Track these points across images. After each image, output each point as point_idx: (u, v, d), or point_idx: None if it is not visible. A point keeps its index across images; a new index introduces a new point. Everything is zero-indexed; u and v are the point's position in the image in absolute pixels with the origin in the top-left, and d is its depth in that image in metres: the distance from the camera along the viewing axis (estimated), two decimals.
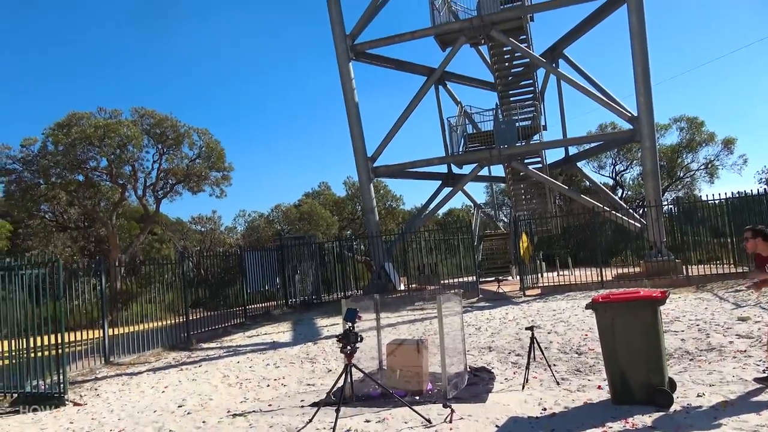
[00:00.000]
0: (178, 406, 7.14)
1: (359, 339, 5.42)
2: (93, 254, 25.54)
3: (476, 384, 7.00)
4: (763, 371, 5.89)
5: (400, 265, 19.19)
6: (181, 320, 13.10)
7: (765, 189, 15.92)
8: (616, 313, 5.29)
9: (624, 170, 34.60)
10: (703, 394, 5.37)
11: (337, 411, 5.16)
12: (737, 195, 15.02)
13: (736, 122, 61.27)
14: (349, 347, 5.30)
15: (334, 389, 5.65)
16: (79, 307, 11.52)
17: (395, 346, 7.12)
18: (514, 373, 7.50)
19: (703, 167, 33.06)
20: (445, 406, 5.59)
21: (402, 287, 18.24)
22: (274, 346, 11.35)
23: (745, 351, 6.92)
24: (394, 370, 7.21)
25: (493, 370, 7.71)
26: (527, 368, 6.78)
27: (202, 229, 32.67)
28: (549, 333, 9.65)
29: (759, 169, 45.75)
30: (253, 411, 6.49)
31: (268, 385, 7.99)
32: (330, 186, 35.53)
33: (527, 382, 6.69)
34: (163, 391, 8.14)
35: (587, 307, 5.49)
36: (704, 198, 15.43)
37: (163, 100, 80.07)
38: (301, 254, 18.37)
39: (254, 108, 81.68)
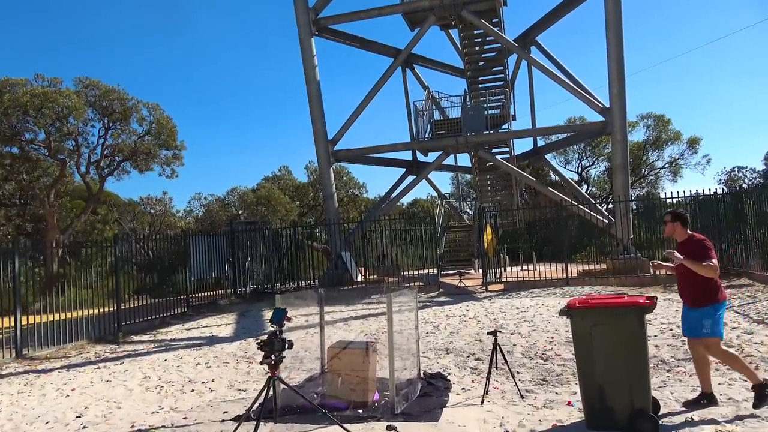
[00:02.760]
0: (77, 416, 6.01)
1: (287, 346, 4.43)
2: (30, 234, 23.70)
3: (430, 395, 6.10)
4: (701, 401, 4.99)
5: (360, 255, 18.23)
6: (111, 309, 11.84)
7: (723, 189, 15.65)
8: (596, 321, 4.44)
9: (590, 166, 34.42)
10: (692, 419, 4.59)
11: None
12: (695, 195, 14.68)
13: (701, 120, 62.18)
14: (273, 357, 4.30)
15: (254, 406, 4.64)
16: None
17: (338, 349, 6.16)
18: (473, 381, 6.64)
19: (667, 166, 33.09)
20: (389, 429, 4.66)
21: (360, 278, 17.29)
22: (212, 341, 10.25)
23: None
24: (339, 375, 6.26)
25: (449, 377, 6.84)
26: (488, 378, 5.92)
27: (153, 211, 30.92)
28: (512, 334, 8.85)
29: (719, 170, 46.49)
30: (163, 426, 5.43)
31: (193, 390, 6.92)
32: (291, 171, 34.25)
33: (487, 393, 5.83)
34: (68, 395, 6.97)
35: (562, 313, 4.63)
36: (665, 196, 14.92)
37: (114, 77, 76.62)
38: (254, 240, 17.21)
39: (214, 88, 78.91)
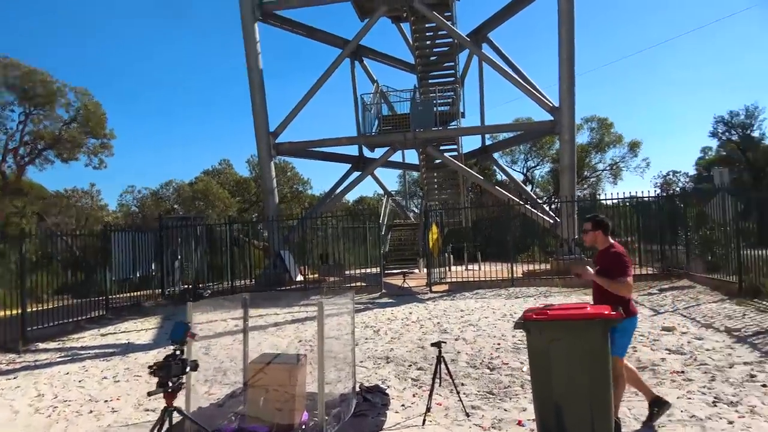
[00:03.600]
0: None
1: (188, 368, 3.62)
2: None
3: (365, 414, 5.42)
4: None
5: (301, 254, 17.38)
6: (13, 313, 10.54)
7: (657, 192, 15.88)
8: (555, 336, 3.87)
9: (535, 166, 34.74)
10: None
11: None
12: (634, 197, 14.73)
13: (642, 123, 64.26)
14: (170, 383, 3.49)
15: None
16: None
17: (261, 365, 5.38)
18: (414, 395, 6.00)
19: (608, 168, 33.79)
20: None
21: (300, 278, 16.43)
22: (127, 349, 9.19)
23: (682, 372, 5.83)
24: (266, 389, 5.48)
25: (388, 391, 6.17)
26: (431, 395, 5.29)
27: (78, 205, 28.78)
28: (456, 340, 8.29)
29: (655, 173, 48.15)
30: None
31: (92, 412, 5.96)
32: (232, 164, 32.83)
33: (429, 411, 5.20)
34: None
35: (517, 326, 4.02)
36: (607, 197, 14.91)
37: (41, 61, 71.83)
38: (186, 237, 16.04)
39: (151, 76, 75.18)
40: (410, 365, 7.16)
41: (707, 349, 6.63)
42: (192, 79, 75.40)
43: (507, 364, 6.86)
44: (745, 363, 5.88)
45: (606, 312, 3.85)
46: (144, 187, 32.74)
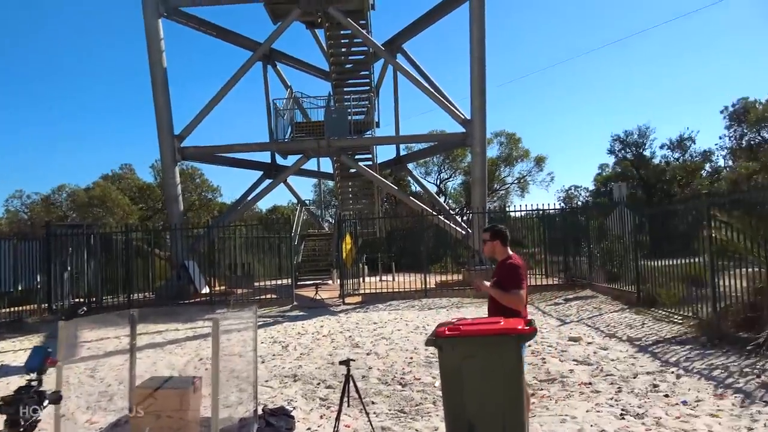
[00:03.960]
0: None
1: (45, 402, 3.04)
2: None
3: None
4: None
5: (209, 265, 16.45)
6: None
7: (562, 206, 16.65)
8: (468, 353, 3.65)
9: (448, 178, 35.46)
10: None
11: None
12: (540, 209, 15.33)
13: (549, 138, 67.48)
14: (21, 421, 2.89)
15: None
16: None
17: (149, 390, 4.80)
18: (322, 416, 5.63)
19: (516, 181, 35.14)
20: None
21: (206, 290, 15.52)
22: None
23: (590, 384, 5.87)
24: (156, 418, 4.89)
25: (294, 413, 5.74)
26: (338, 417, 4.93)
27: None
28: (368, 354, 8.01)
29: (559, 187, 50.82)
30: None
31: None
32: (135, 169, 30.86)
33: None
34: None
35: (429, 343, 3.78)
36: (516, 209, 15.38)
37: None
38: (78, 246, 14.66)
39: (47, 69, 69.47)
40: (319, 383, 6.77)
41: (612, 360, 6.77)
42: (92, 74, 70.48)
43: (419, 379, 6.65)
44: (648, 373, 6.02)
45: (519, 327, 3.69)
46: (35, 192, 30.08)
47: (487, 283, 4.22)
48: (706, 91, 60.38)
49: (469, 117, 16.10)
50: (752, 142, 27.47)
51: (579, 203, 36.49)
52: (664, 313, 9.39)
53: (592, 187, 43.49)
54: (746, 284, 7.69)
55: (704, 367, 6.05)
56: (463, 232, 16.44)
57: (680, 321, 8.66)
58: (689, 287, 9.22)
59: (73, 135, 63.46)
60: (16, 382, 7.37)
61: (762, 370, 5.62)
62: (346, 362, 4.90)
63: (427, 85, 16.95)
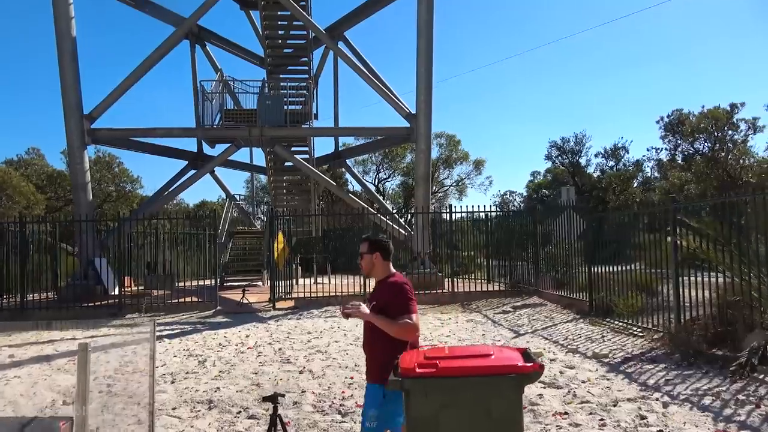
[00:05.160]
0: None
1: None
2: None
3: None
4: None
5: (124, 262, 14.63)
6: None
7: (509, 208, 16.07)
8: (448, 400, 2.59)
9: (386, 178, 34.61)
10: None
11: None
12: (483, 210, 14.70)
13: (487, 141, 67.98)
14: None
15: None
16: None
17: None
18: None
19: (455, 184, 34.78)
20: None
21: (116, 291, 13.72)
22: None
23: (566, 414, 4.96)
24: None
25: None
26: None
27: None
28: (301, 372, 6.82)
29: (494, 192, 51.30)
30: None
31: None
32: (43, 154, 27.94)
33: None
34: None
35: (391, 385, 2.66)
36: (461, 210, 14.59)
37: None
38: None
39: None
40: (239, 411, 5.51)
41: (583, 381, 5.92)
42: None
43: (360, 405, 5.54)
44: (629, 399, 5.20)
45: (519, 363, 2.66)
46: None
47: (366, 309, 3.14)
48: (645, 101, 62.77)
49: (413, 111, 15.18)
50: (685, 153, 28.31)
51: (514, 208, 36.62)
52: (621, 324, 8.77)
53: (525, 193, 44.09)
54: (712, 295, 7.14)
55: (690, 392, 5.30)
56: (405, 233, 15.50)
57: (641, 333, 8.03)
58: (647, 297, 8.66)
59: None
60: None
61: (759, 397, 4.92)
62: (272, 398, 3.71)
63: (370, 75, 15.87)
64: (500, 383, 2.59)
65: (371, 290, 3.51)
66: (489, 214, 15.28)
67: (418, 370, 2.62)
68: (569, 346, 7.66)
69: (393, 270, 3.35)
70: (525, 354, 2.79)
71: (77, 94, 14.04)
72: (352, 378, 6.49)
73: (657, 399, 5.16)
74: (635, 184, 34.19)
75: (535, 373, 2.63)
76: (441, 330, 9.48)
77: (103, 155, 27.63)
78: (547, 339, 8.30)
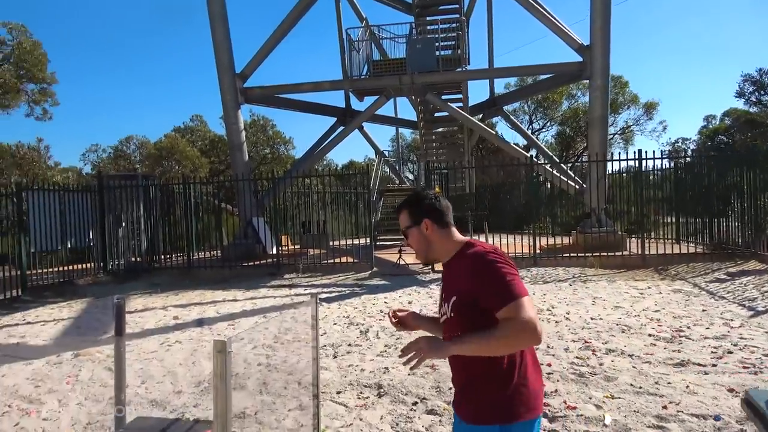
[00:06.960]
0: None
1: None
2: None
3: None
4: None
5: (280, 222, 14.64)
6: None
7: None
8: None
9: (540, 129, 31.85)
10: None
11: None
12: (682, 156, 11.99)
13: (658, 84, 60.84)
14: None
15: None
16: None
17: None
18: None
19: (620, 132, 30.97)
20: None
21: (274, 250, 13.67)
22: (8, 354, 6.39)
23: None
24: None
25: None
26: None
27: (20, 163, 25.46)
28: None
29: (665, 140, 45.34)
30: None
31: None
32: (206, 121, 29.62)
33: None
34: None
35: None
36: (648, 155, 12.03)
37: None
38: (133, 200, 13.13)
39: (120, 30, 70.38)
40: (416, 402, 4.45)
41: None
42: (160, 25, 70.72)
43: (570, 406, 4.17)
44: None
45: None
46: (110, 146, 29.59)
47: (431, 345, 1.77)
48: None
49: (587, 43, 12.92)
50: None
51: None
52: None
53: (698, 141, 38.15)
54: None
55: None
56: (576, 186, 13.50)
57: None
58: None
59: (145, 88, 64.13)
60: (20, 373, 5.59)
61: None
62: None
63: (533, 2, 13.76)
64: None
65: (439, 281, 2.07)
66: (684, 157, 12.68)
67: None
68: None
69: (461, 237, 1.97)
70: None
71: (229, 54, 13.93)
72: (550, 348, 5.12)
73: None
74: None
75: None
76: (644, 303, 7.67)
77: (258, 118, 28.65)
78: None
